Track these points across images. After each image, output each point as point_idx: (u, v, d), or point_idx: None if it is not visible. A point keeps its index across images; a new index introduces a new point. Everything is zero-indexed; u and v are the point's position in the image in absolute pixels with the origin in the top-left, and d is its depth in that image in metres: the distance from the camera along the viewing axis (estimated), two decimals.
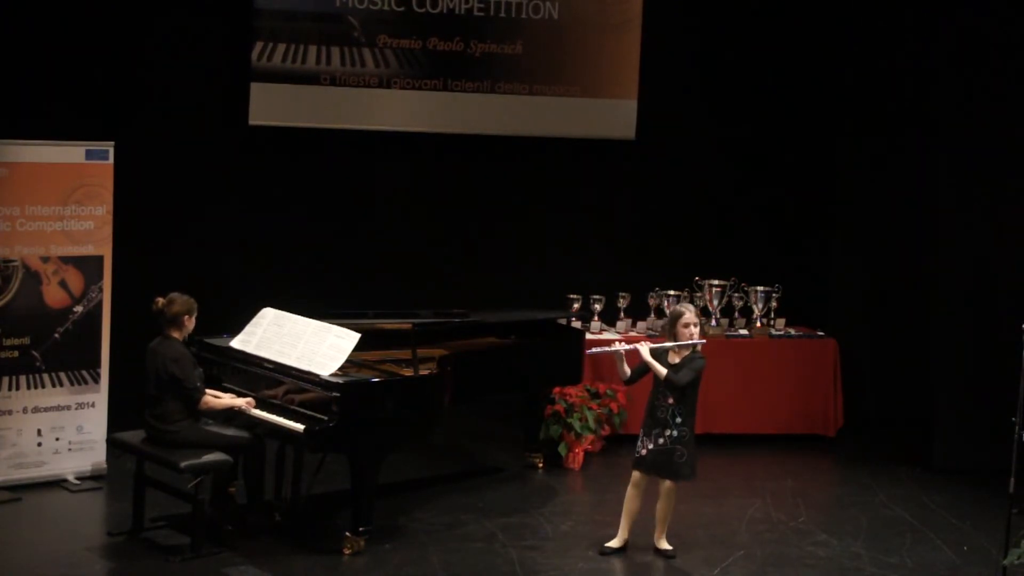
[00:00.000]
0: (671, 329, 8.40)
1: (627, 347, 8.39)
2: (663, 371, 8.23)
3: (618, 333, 11.17)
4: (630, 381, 8.56)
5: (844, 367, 11.37)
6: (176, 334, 8.35)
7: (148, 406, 8.31)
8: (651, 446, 8.30)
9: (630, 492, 8.47)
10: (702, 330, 11.14)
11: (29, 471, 9.27)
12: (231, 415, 8.41)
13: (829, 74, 12.29)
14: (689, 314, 8.36)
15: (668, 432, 8.25)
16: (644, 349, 8.31)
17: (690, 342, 8.31)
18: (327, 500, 9.07)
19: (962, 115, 10.56)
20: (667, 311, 10.95)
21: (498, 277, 11.90)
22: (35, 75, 10.72)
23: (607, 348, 8.50)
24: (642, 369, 8.38)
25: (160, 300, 8.38)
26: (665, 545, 8.51)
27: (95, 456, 9.51)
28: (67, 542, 8.33)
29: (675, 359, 8.33)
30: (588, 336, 10.61)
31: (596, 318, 11.18)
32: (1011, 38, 10.43)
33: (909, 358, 11.11)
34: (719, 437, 11.08)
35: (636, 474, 8.42)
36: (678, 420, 8.25)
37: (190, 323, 8.42)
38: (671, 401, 8.24)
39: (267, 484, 8.75)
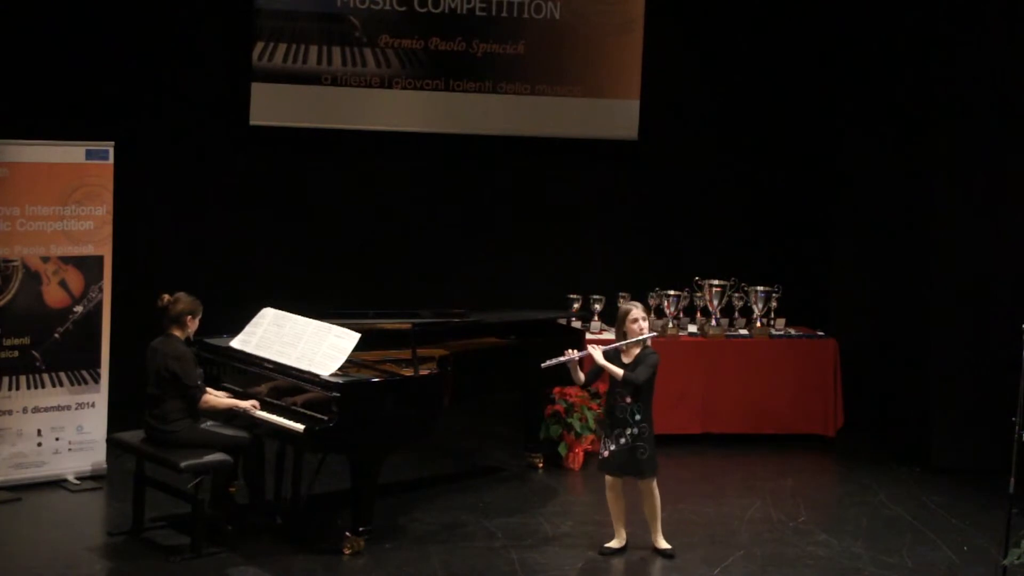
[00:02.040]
0: (620, 327, 8.38)
1: (580, 354, 8.37)
2: (619, 372, 8.23)
3: None
4: (586, 384, 8.60)
5: (844, 367, 11.36)
6: (178, 333, 8.35)
7: (148, 406, 8.31)
8: (613, 447, 8.32)
9: (609, 495, 8.49)
10: (702, 330, 11.19)
11: (29, 471, 9.28)
12: (231, 415, 8.41)
13: (830, 75, 12.29)
14: (636, 310, 8.35)
15: (628, 431, 8.27)
16: (596, 353, 8.29)
17: (640, 337, 8.31)
18: (327, 500, 9.07)
19: (961, 115, 10.55)
20: (667, 311, 11.03)
21: (498, 277, 11.91)
22: (35, 75, 10.73)
23: (560, 359, 8.42)
24: (596, 371, 8.37)
25: (166, 297, 8.38)
26: (663, 544, 8.51)
27: (95, 456, 9.52)
28: (67, 542, 8.34)
29: (628, 359, 8.34)
30: (588, 336, 10.61)
31: (596, 318, 11.17)
32: (1010, 37, 10.42)
33: (909, 358, 11.10)
34: (719, 437, 11.09)
35: (608, 477, 8.44)
36: (637, 417, 8.26)
37: (193, 324, 8.42)
38: (628, 400, 8.25)
39: (267, 484, 8.76)
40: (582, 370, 8.42)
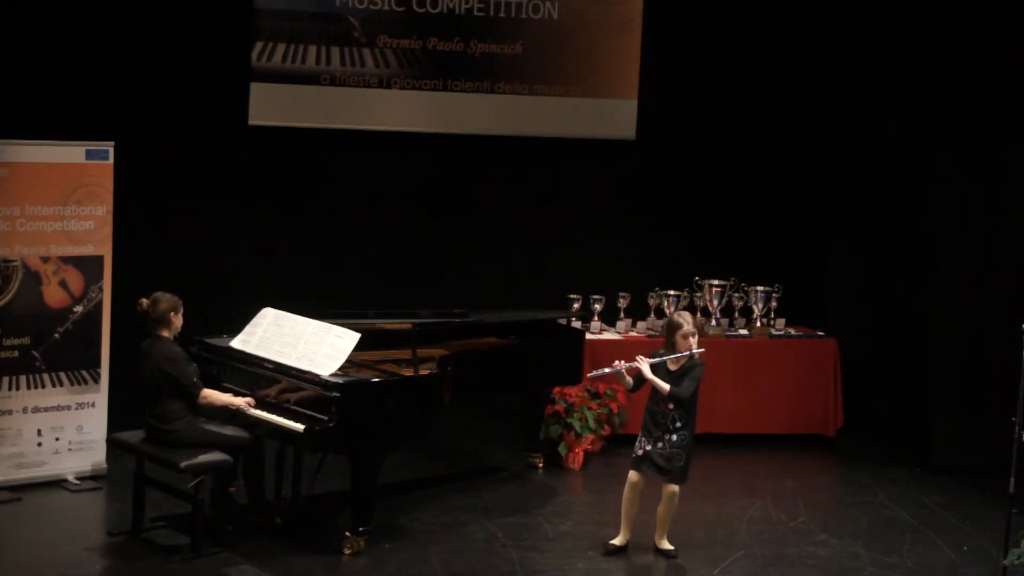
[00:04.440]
0: (670, 338, 8.37)
1: (627, 366, 8.35)
2: (666, 387, 8.20)
3: (618, 333, 11.16)
4: (635, 389, 8.53)
5: (844, 367, 11.36)
6: (166, 333, 8.35)
7: (148, 406, 8.31)
8: (648, 447, 8.31)
9: (627, 493, 8.47)
10: (702, 331, 11.17)
11: (29, 471, 9.27)
12: (231, 415, 8.41)
13: (828, 74, 12.29)
14: (688, 325, 8.31)
15: (667, 436, 8.26)
16: (644, 367, 8.27)
17: (687, 353, 8.30)
18: (327, 500, 9.07)
19: (961, 114, 10.56)
20: (667, 311, 11.00)
21: (498, 277, 11.89)
22: (35, 75, 10.72)
23: (607, 369, 8.42)
24: (642, 378, 8.36)
25: (144, 301, 8.38)
26: (667, 545, 8.52)
27: (95, 456, 9.51)
28: (67, 542, 8.34)
29: (674, 366, 8.33)
30: (588, 336, 10.61)
31: (596, 318, 11.17)
32: (1008, 34, 10.42)
33: (908, 358, 11.10)
34: (719, 437, 11.08)
35: (633, 474, 8.42)
36: (678, 425, 8.25)
37: (178, 320, 8.42)
38: (671, 407, 8.24)
39: (267, 484, 8.75)
40: (629, 375, 8.42)
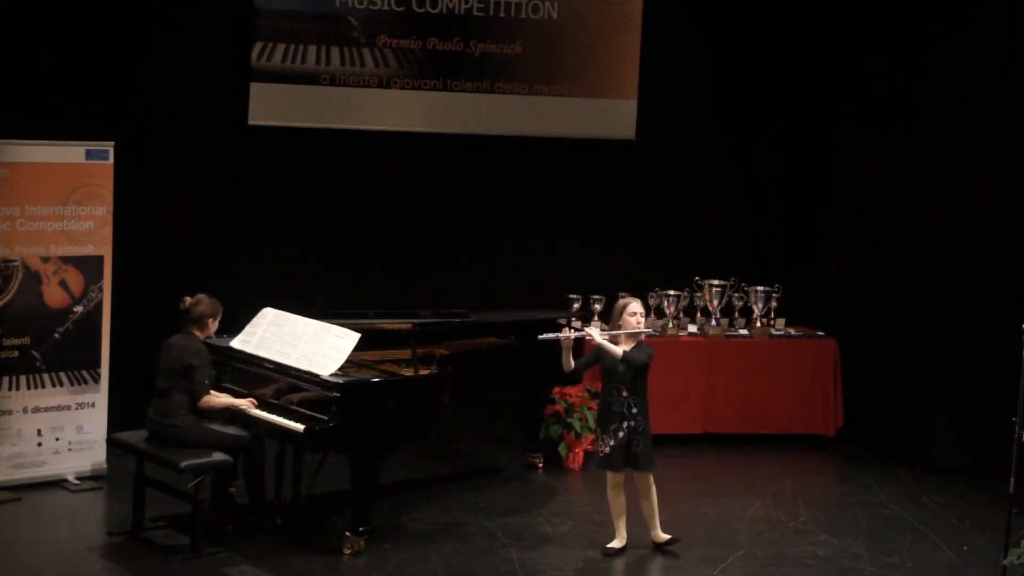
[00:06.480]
0: (617, 320, 8.39)
1: (577, 333, 8.38)
2: (619, 351, 8.21)
3: None
4: (576, 371, 8.52)
5: (844, 367, 11.36)
6: (198, 333, 8.42)
7: (153, 400, 8.32)
8: (612, 443, 8.31)
9: (610, 494, 8.48)
10: (702, 330, 11.19)
11: (29, 471, 9.27)
12: (231, 415, 8.41)
13: (828, 74, 12.30)
14: (635, 303, 8.38)
15: (626, 424, 8.27)
16: (594, 332, 8.31)
17: (638, 330, 8.32)
18: (327, 500, 9.06)
19: (960, 115, 10.55)
20: (667, 311, 11.03)
21: (498, 277, 11.90)
22: (35, 75, 10.73)
23: (557, 334, 8.41)
24: (589, 361, 8.40)
25: (188, 299, 8.45)
26: (663, 536, 8.51)
27: (95, 456, 9.51)
28: (67, 542, 8.34)
29: (625, 345, 8.33)
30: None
31: (596, 318, 11.17)
32: (1009, 29, 10.41)
33: (908, 358, 11.10)
34: (719, 437, 11.09)
35: (610, 475, 8.44)
36: (634, 411, 8.26)
37: (213, 325, 8.50)
38: (625, 394, 8.25)
39: (267, 484, 8.75)
40: (582, 354, 8.40)
